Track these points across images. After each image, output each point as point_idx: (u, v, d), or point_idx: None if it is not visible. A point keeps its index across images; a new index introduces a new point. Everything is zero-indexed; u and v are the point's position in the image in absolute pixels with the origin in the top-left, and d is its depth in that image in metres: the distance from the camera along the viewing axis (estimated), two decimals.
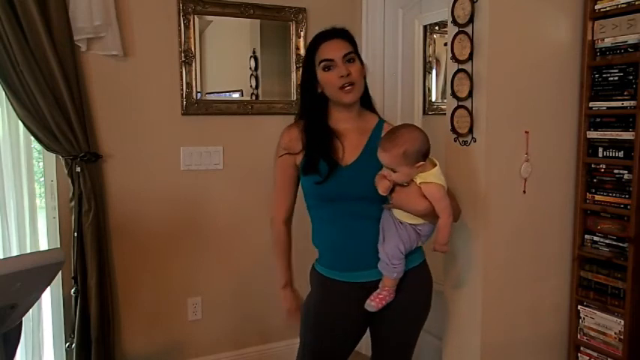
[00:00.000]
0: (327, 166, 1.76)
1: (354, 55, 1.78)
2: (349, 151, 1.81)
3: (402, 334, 1.89)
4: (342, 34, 1.81)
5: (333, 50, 1.76)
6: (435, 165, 1.72)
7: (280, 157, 1.87)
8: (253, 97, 2.97)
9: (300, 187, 1.91)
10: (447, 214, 1.69)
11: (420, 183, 1.69)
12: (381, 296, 1.75)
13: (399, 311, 1.82)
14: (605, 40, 2.17)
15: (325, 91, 1.81)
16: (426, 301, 1.91)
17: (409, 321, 1.88)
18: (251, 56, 2.95)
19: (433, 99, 3.07)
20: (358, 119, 1.86)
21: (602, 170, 2.22)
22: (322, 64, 1.77)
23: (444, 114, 2.24)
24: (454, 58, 2.11)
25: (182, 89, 2.77)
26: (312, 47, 1.81)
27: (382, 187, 1.69)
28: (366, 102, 1.90)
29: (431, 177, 1.69)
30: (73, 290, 2.55)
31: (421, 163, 1.68)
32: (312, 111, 1.84)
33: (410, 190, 1.70)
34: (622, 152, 2.14)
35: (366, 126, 1.86)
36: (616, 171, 2.16)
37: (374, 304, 1.75)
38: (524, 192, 2.17)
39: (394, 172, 1.67)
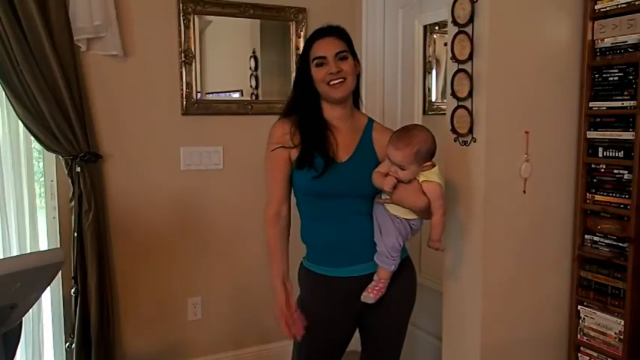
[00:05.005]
0: (322, 161, 1.78)
1: (346, 53, 1.81)
2: (343, 148, 1.84)
3: (392, 327, 1.94)
4: (336, 32, 1.84)
5: (326, 48, 1.79)
6: (435, 165, 1.78)
7: (273, 152, 1.83)
8: (253, 97, 2.97)
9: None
10: (442, 212, 1.77)
11: (422, 181, 1.74)
12: (377, 288, 1.80)
13: (388, 305, 1.85)
14: (605, 40, 2.17)
15: (317, 87, 1.83)
16: (411, 294, 1.96)
17: (398, 314, 1.93)
18: (251, 56, 2.95)
19: (433, 99, 3.07)
20: (350, 117, 1.90)
21: (602, 170, 2.22)
22: (315, 61, 1.80)
23: (444, 114, 2.24)
24: (454, 58, 2.11)
25: (182, 89, 2.78)
26: (308, 44, 1.85)
27: (388, 184, 1.72)
28: (356, 101, 1.94)
29: (433, 175, 1.76)
30: (73, 290, 2.55)
31: (428, 162, 1.74)
32: (308, 105, 1.85)
33: (411, 187, 1.74)
34: (622, 152, 2.13)
35: (358, 125, 1.91)
36: (616, 171, 2.16)
37: (372, 296, 1.79)
38: (524, 192, 2.17)
39: (402, 169, 1.71)
